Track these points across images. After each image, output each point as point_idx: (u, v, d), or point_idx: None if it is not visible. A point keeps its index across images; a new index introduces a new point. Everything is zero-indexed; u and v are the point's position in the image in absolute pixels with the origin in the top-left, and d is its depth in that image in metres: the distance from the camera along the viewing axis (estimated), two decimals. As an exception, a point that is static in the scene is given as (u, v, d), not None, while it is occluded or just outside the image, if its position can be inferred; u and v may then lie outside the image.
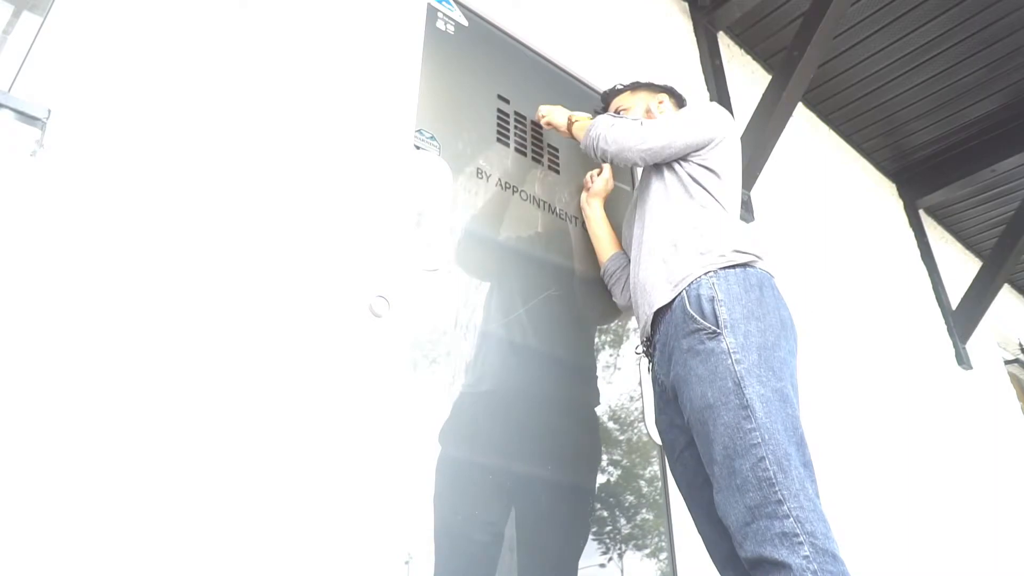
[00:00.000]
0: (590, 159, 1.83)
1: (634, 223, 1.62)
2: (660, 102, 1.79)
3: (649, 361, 1.49)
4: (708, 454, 1.24)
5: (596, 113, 1.95)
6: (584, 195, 1.90)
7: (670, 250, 1.43)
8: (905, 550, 2.51)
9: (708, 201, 1.47)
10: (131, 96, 1.17)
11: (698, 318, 1.29)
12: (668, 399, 1.41)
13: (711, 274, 1.33)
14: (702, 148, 1.51)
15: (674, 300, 1.36)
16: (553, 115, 1.83)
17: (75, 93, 1.10)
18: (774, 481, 1.14)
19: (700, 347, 1.28)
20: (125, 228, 1.09)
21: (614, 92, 1.88)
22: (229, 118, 1.28)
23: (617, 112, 1.80)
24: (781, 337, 1.30)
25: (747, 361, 1.23)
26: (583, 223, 1.92)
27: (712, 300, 1.30)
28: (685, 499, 1.44)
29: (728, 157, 1.54)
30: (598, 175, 1.89)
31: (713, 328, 1.27)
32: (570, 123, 1.78)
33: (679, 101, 1.83)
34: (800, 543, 1.10)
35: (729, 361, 1.23)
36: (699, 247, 1.38)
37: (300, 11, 1.47)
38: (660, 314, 1.41)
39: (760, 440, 1.17)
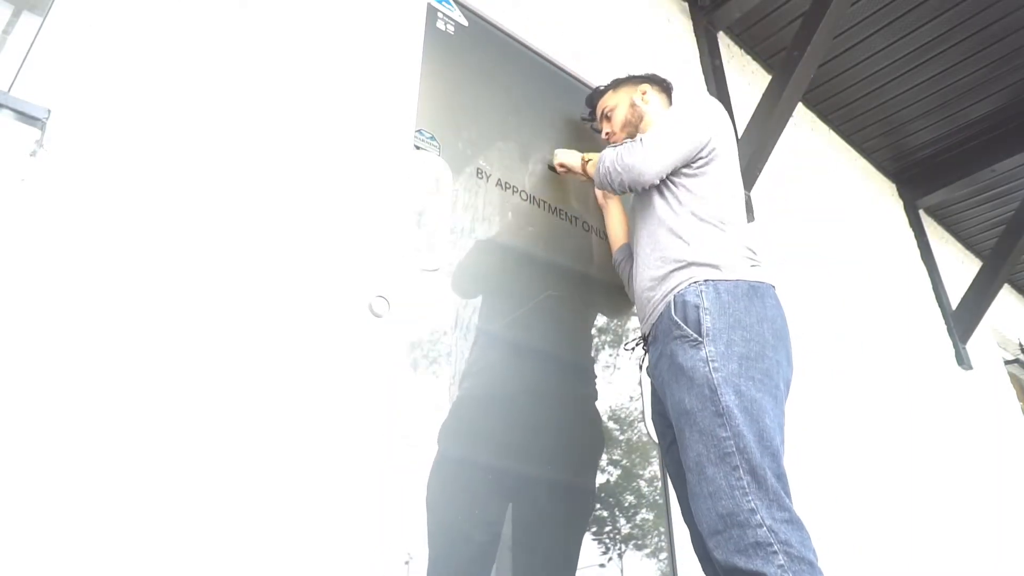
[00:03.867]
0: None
1: (636, 223, 1.62)
2: (643, 93, 1.76)
3: (644, 357, 1.52)
4: (685, 459, 1.26)
5: (585, 120, 1.96)
6: (599, 192, 1.90)
7: (663, 257, 1.44)
8: (906, 551, 2.51)
9: (701, 208, 1.45)
10: (131, 96, 1.17)
11: (683, 325, 1.31)
12: (660, 395, 1.44)
13: (699, 283, 1.35)
14: (700, 153, 1.48)
15: (665, 305, 1.39)
16: (567, 158, 1.82)
17: (75, 93, 1.10)
18: (747, 490, 1.15)
19: (682, 353, 1.30)
20: (125, 228, 1.09)
21: (597, 94, 1.87)
22: (229, 118, 1.28)
23: (604, 113, 1.81)
24: (768, 348, 1.29)
25: (725, 370, 1.24)
26: (584, 224, 1.92)
27: (698, 308, 1.31)
28: (675, 490, 1.48)
29: (723, 161, 1.51)
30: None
31: (695, 336, 1.28)
32: (584, 163, 1.76)
33: (663, 86, 1.81)
34: (774, 552, 1.10)
35: (707, 369, 1.24)
36: (689, 256, 1.39)
37: (300, 11, 1.47)
38: (654, 317, 1.44)
39: (734, 449, 1.17)
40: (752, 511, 1.13)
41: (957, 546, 2.80)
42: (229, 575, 1.01)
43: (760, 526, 1.12)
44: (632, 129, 1.74)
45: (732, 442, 1.18)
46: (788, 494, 1.18)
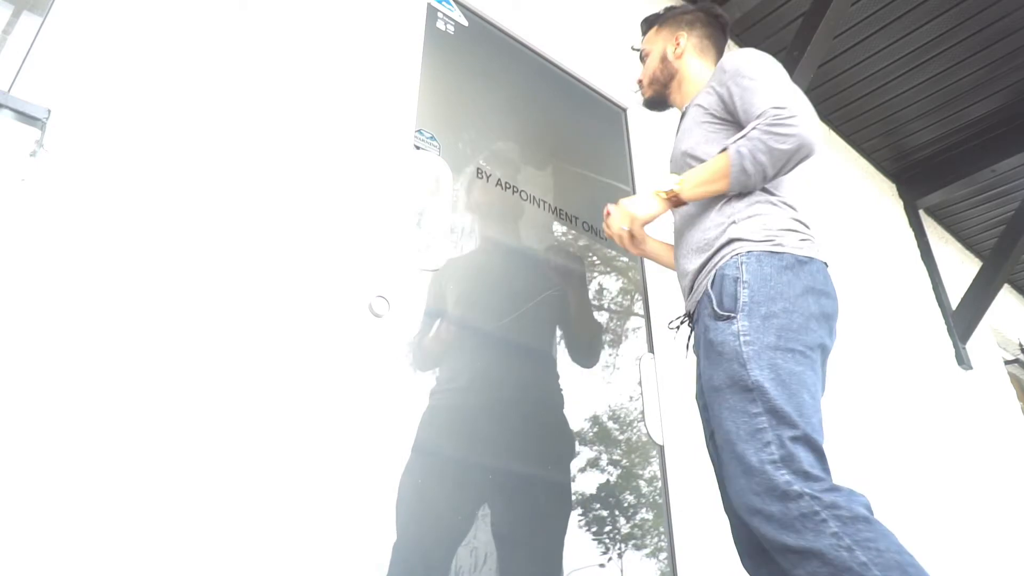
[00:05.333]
0: (590, 155, 1.82)
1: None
2: (676, 44, 1.58)
3: (689, 335, 1.44)
4: (719, 438, 1.20)
5: (635, 50, 1.73)
6: (631, 249, 1.51)
7: (707, 240, 1.35)
8: (905, 550, 2.51)
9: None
10: (131, 96, 1.17)
11: (717, 299, 1.25)
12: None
13: (740, 255, 1.27)
14: None
15: (710, 280, 1.31)
16: (639, 208, 1.40)
17: (75, 93, 1.10)
18: (780, 465, 1.08)
19: (715, 328, 1.24)
20: (125, 228, 1.09)
21: (648, 22, 1.69)
22: (230, 119, 1.28)
23: (642, 53, 1.65)
24: (812, 321, 1.22)
25: (759, 343, 1.17)
26: (584, 223, 1.92)
27: (736, 281, 1.25)
28: (717, 479, 1.38)
29: None
30: (629, 236, 1.45)
31: (730, 308, 1.23)
32: (673, 194, 1.36)
33: (708, 27, 1.60)
34: (823, 520, 1.01)
35: (737, 343, 1.19)
36: (735, 232, 1.30)
37: (300, 12, 1.47)
38: (698, 293, 1.36)
39: (766, 425, 1.12)
40: (788, 483, 1.06)
41: (957, 546, 2.80)
42: (226, 571, 1.01)
43: (800, 497, 1.04)
44: (659, 87, 1.60)
45: (763, 418, 1.12)
46: (825, 469, 1.10)
